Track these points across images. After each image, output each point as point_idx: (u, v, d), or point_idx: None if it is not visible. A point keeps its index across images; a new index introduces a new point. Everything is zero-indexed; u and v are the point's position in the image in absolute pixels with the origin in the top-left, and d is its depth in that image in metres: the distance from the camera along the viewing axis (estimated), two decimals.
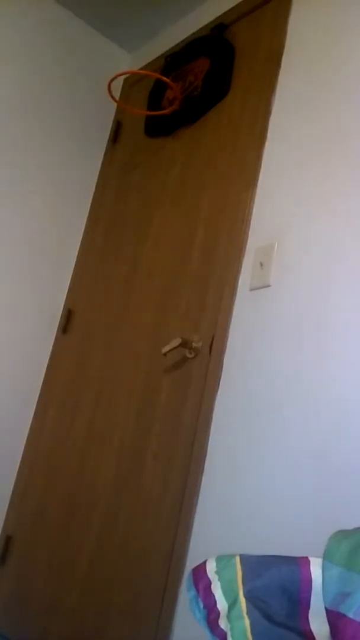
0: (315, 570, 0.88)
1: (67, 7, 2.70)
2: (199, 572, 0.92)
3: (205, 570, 0.92)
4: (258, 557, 0.93)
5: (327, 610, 0.83)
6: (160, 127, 2.43)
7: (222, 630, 0.83)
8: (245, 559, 0.91)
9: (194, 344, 1.83)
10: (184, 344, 1.82)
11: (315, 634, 0.83)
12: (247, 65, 2.16)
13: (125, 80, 2.73)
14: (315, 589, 0.85)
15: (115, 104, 2.67)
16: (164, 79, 2.31)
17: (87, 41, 2.77)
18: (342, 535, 0.91)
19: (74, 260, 2.57)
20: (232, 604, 0.85)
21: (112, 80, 2.30)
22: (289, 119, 1.88)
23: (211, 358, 1.76)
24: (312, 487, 1.39)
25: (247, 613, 0.83)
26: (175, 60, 2.46)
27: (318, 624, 0.83)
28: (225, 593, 0.87)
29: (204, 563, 0.93)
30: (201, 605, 0.88)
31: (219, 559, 0.93)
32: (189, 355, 1.83)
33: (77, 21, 2.74)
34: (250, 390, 1.62)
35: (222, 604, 0.86)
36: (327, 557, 0.88)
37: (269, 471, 1.49)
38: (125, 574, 1.74)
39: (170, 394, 1.86)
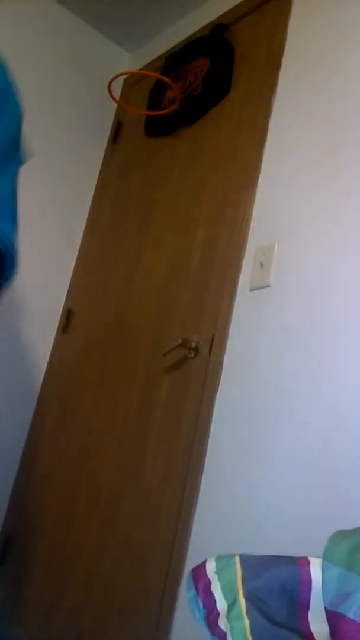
0: (315, 570, 0.87)
1: (67, 7, 2.70)
2: (199, 572, 0.92)
3: (205, 570, 0.92)
4: (258, 557, 0.93)
5: (326, 611, 0.82)
6: (160, 127, 2.43)
7: (221, 630, 0.83)
8: (245, 559, 0.91)
9: (194, 344, 1.83)
10: (184, 344, 1.82)
11: (315, 635, 0.83)
12: (247, 66, 2.16)
13: (125, 80, 2.73)
14: (315, 589, 0.85)
15: (115, 104, 2.67)
16: (164, 79, 2.31)
17: (87, 41, 2.77)
18: (341, 535, 0.91)
19: (74, 260, 2.57)
20: (232, 604, 0.85)
21: (112, 80, 2.30)
22: (289, 119, 1.88)
23: (211, 358, 1.76)
24: (312, 487, 1.39)
25: (247, 613, 0.83)
26: (175, 60, 2.46)
27: (318, 624, 0.83)
28: (225, 593, 0.87)
29: (204, 563, 0.93)
30: (201, 605, 0.88)
31: (219, 559, 0.93)
32: (189, 355, 1.83)
33: (78, 21, 2.74)
34: (250, 390, 1.62)
35: (221, 604, 0.86)
36: (327, 558, 0.88)
37: (268, 471, 1.49)
38: (125, 573, 1.74)
39: (170, 394, 1.86)
